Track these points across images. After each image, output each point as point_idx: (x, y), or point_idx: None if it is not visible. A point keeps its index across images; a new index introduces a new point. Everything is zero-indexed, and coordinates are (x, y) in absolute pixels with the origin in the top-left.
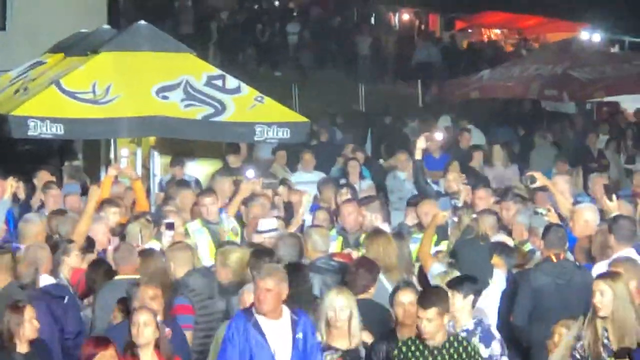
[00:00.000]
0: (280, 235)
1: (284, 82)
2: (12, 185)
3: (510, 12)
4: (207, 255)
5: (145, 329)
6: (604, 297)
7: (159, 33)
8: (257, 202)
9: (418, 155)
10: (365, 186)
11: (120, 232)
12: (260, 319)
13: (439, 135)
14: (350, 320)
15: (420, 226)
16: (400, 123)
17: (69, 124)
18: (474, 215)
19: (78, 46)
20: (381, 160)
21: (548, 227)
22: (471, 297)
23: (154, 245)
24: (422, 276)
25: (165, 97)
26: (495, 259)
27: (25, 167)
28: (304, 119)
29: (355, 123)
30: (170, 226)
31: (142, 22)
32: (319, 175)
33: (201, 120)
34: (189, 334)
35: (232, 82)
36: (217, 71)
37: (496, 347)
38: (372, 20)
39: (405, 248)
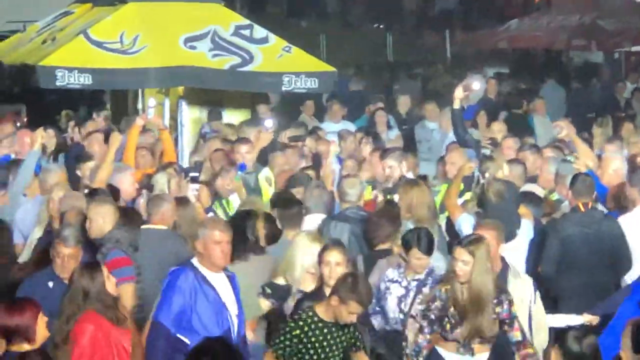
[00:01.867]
0: (307, 186)
1: (311, 32)
2: (42, 136)
3: None
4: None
5: None
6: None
7: None
8: (282, 153)
9: (456, 105)
10: (393, 136)
11: (147, 182)
12: (205, 271)
13: (476, 85)
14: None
15: (444, 176)
16: (429, 72)
17: (96, 74)
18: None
19: None
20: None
21: (576, 176)
22: (425, 256)
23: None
24: (450, 226)
25: (192, 47)
26: (523, 209)
27: (54, 117)
28: (332, 69)
29: (383, 73)
30: (195, 179)
31: None
32: (346, 125)
33: (229, 70)
34: (131, 286)
35: (260, 31)
36: (245, 21)
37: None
38: None
39: (432, 197)
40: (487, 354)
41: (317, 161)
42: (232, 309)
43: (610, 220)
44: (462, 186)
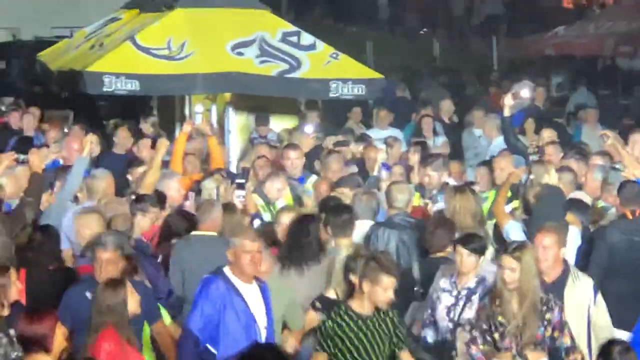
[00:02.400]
0: (356, 192)
1: (358, 38)
2: (91, 142)
3: None
4: None
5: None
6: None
7: None
8: (326, 159)
9: (506, 112)
10: (440, 143)
11: (195, 188)
12: (237, 281)
13: (525, 92)
14: None
15: (490, 182)
16: (476, 80)
17: (144, 80)
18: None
19: (153, 2)
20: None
21: (623, 184)
22: (477, 255)
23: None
24: (498, 233)
25: (240, 54)
26: (570, 217)
27: (102, 123)
28: (379, 75)
29: (430, 79)
30: (241, 186)
31: None
32: (393, 132)
33: (276, 77)
34: None
35: (307, 38)
36: (292, 27)
37: None
38: None
39: (478, 204)
40: None
41: (362, 167)
42: (261, 320)
43: None
44: (510, 193)
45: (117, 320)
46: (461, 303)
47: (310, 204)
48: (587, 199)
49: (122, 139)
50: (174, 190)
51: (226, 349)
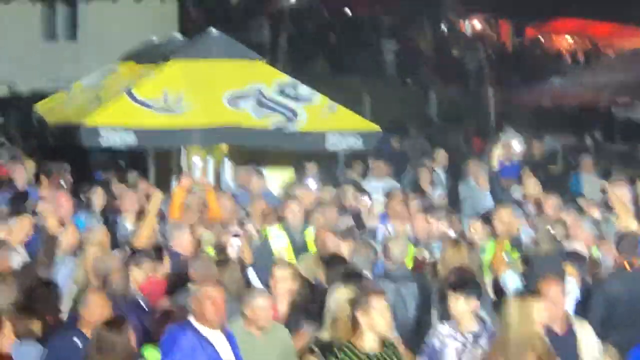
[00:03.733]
0: (355, 244)
1: (355, 89)
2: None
3: (582, 18)
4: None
5: None
6: None
7: (229, 40)
8: (322, 211)
9: (494, 164)
10: (437, 194)
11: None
12: (204, 330)
13: (515, 145)
14: None
15: (493, 233)
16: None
17: (140, 134)
18: (548, 227)
19: (149, 54)
20: None
21: (622, 235)
22: (474, 300)
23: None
24: (496, 285)
25: (237, 106)
26: (568, 268)
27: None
28: (376, 127)
29: (427, 131)
30: (237, 235)
31: (213, 29)
32: (390, 183)
33: (273, 130)
34: None
35: (303, 90)
36: (288, 79)
37: None
38: (443, 27)
39: (476, 256)
40: None
41: (357, 218)
42: None
43: None
44: (508, 245)
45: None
46: (469, 346)
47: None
48: (583, 249)
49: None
50: (186, 240)
51: None
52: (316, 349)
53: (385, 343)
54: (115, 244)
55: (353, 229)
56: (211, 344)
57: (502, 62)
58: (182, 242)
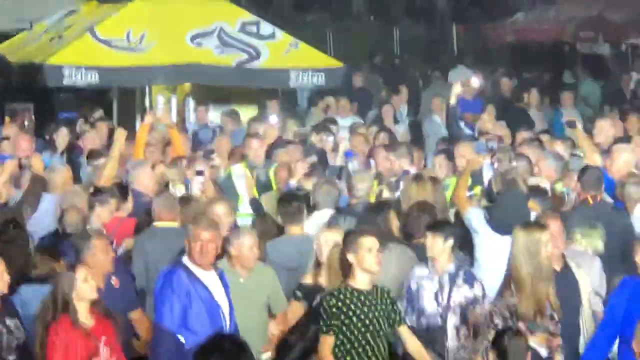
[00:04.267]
0: (317, 181)
1: (318, 27)
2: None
3: None
4: (246, 199)
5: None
6: None
7: None
8: (285, 149)
9: (452, 101)
10: (400, 131)
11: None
12: (196, 270)
13: (474, 81)
14: None
15: (453, 169)
16: (435, 68)
17: (104, 72)
18: (513, 163)
19: None
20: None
21: (584, 169)
22: (451, 241)
23: (180, 190)
24: (459, 221)
25: (199, 44)
26: (531, 203)
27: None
28: (339, 64)
29: (390, 68)
30: (200, 172)
31: None
32: (354, 120)
33: (236, 67)
34: None
35: (266, 27)
36: (251, 17)
37: (478, 288)
38: None
39: (440, 192)
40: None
41: (322, 157)
42: (224, 306)
43: (619, 212)
44: (470, 180)
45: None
46: (447, 287)
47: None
48: (545, 184)
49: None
50: (147, 178)
51: (194, 337)
52: (299, 293)
53: (376, 285)
54: (78, 183)
55: (316, 166)
56: (203, 284)
57: None
58: (143, 180)
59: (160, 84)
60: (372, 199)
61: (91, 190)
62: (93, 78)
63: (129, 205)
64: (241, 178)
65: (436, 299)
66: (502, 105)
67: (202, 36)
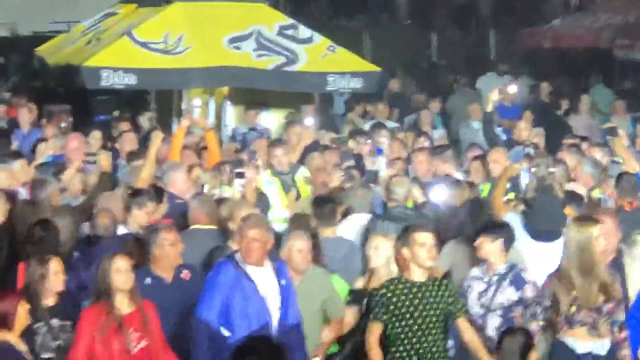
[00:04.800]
0: (351, 185)
1: (356, 31)
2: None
3: None
4: (277, 206)
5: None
6: None
7: None
8: (319, 154)
9: (489, 108)
10: (437, 136)
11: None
12: (247, 267)
13: (512, 88)
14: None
15: (487, 175)
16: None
17: (141, 74)
18: (550, 169)
19: None
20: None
21: (621, 175)
22: (500, 240)
23: (227, 193)
24: None
25: (237, 47)
26: (568, 209)
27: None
28: (376, 68)
29: (428, 73)
30: (241, 175)
31: None
32: (392, 125)
33: (273, 70)
34: None
35: (304, 31)
36: (289, 20)
37: (528, 290)
38: None
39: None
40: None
41: (358, 161)
42: (274, 302)
43: None
44: (507, 186)
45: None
46: (492, 289)
47: (293, 197)
48: (582, 191)
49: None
50: (181, 181)
51: (238, 332)
52: (350, 299)
53: (432, 277)
54: (115, 185)
55: (351, 171)
56: (251, 280)
57: (502, 3)
58: (177, 183)
59: (197, 87)
60: (410, 204)
61: (129, 192)
62: (130, 80)
63: (164, 207)
64: (269, 185)
65: (479, 299)
66: (539, 111)
67: (240, 39)
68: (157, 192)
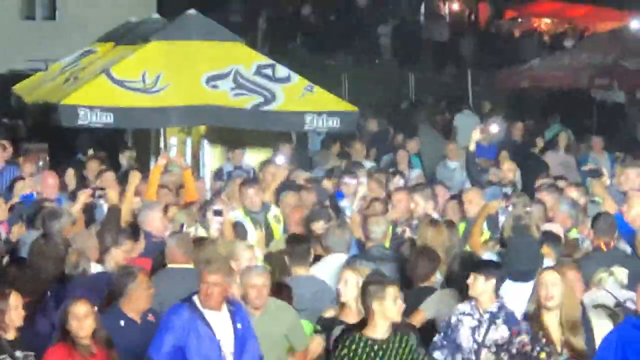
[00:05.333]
0: (329, 225)
1: (334, 70)
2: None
3: (560, 1)
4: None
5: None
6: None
7: (208, 22)
8: (294, 192)
9: (471, 147)
10: (414, 175)
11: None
12: (204, 310)
13: (494, 128)
14: None
15: (462, 215)
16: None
17: (119, 113)
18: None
19: (128, 35)
20: None
21: (598, 215)
22: (493, 280)
23: (201, 232)
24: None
25: (215, 87)
26: (545, 249)
27: (76, 157)
28: (354, 108)
29: (405, 113)
30: (218, 213)
31: (192, 10)
32: (369, 165)
33: (251, 110)
34: None
35: (282, 71)
36: (267, 60)
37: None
38: (422, 9)
39: (456, 236)
40: None
41: (333, 202)
42: (228, 345)
43: (633, 259)
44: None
45: None
46: (485, 325)
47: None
48: (559, 230)
49: (91, 170)
50: (157, 220)
51: None
52: (319, 327)
53: (395, 329)
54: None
55: (327, 209)
56: (207, 323)
57: (481, 44)
58: (153, 222)
59: (175, 126)
60: (387, 243)
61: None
62: (108, 119)
63: (140, 246)
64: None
65: (473, 335)
66: (515, 150)
67: (218, 78)
68: (134, 231)
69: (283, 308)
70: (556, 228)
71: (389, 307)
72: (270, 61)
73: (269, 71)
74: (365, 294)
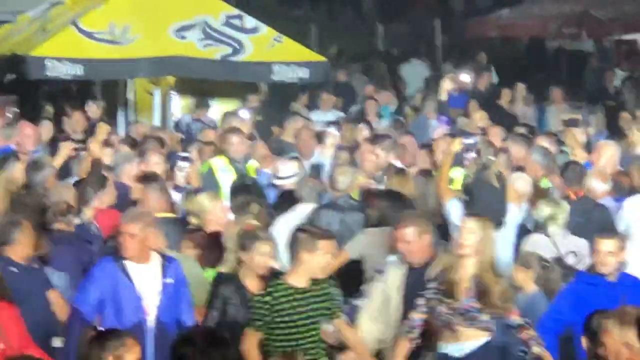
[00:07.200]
0: (302, 176)
1: (303, 21)
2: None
3: None
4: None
5: None
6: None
7: None
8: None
9: (443, 97)
10: (383, 125)
11: None
12: (127, 262)
13: (464, 77)
14: None
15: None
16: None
17: (88, 65)
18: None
19: None
20: None
21: (567, 165)
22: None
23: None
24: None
25: (183, 37)
26: (513, 194)
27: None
28: (323, 59)
29: (374, 63)
30: (186, 159)
31: None
32: (336, 115)
33: (219, 60)
34: None
35: (250, 21)
36: (235, 11)
37: None
38: None
39: (432, 186)
40: (478, 341)
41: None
42: (152, 299)
43: (601, 208)
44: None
45: None
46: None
47: None
48: (528, 180)
49: (75, 122)
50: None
51: (110, 326)
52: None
53: (318, 279)
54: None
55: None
56: (128, 276)
57: None
58: (130, 174)
59: (144, 77)
60: (355, 194)
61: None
62: (77, 71)
63: (111, 196)
64: (225, 172)
65: None
66: (482, 101)
67: (186, 29)
68: (101, 181)
69: (186, 259)
70: (525, 177)
71: (318, 260)
72: (238, 11)
73: (237, 22)
74: (296, 242)
